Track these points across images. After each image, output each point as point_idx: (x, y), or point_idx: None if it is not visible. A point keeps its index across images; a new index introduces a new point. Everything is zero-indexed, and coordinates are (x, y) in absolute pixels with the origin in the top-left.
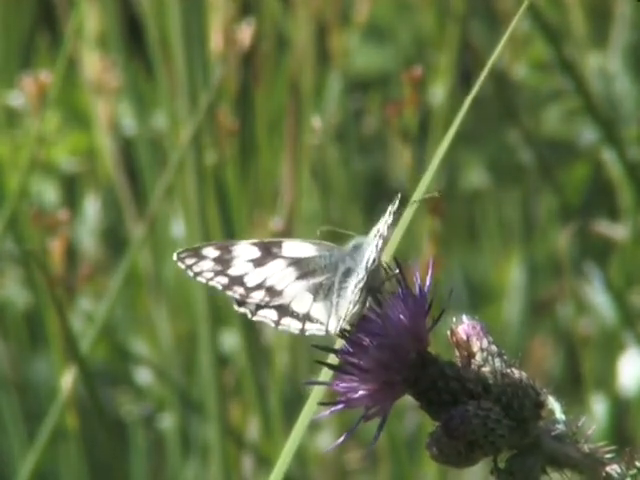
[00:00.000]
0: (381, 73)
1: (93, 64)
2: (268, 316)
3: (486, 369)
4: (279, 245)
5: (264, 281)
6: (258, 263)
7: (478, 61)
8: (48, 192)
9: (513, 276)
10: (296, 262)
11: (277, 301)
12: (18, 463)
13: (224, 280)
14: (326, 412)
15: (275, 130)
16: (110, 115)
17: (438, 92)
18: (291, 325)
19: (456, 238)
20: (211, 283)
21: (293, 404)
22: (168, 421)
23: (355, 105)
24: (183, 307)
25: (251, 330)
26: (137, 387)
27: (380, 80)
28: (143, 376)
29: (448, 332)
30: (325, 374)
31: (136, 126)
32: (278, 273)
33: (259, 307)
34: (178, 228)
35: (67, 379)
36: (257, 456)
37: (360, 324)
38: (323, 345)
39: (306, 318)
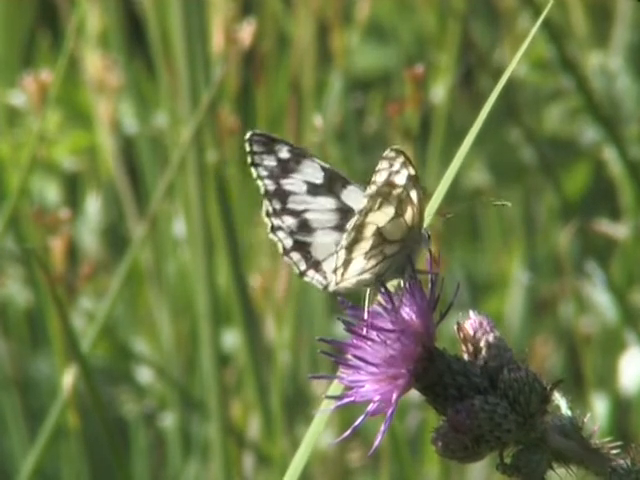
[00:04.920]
0: (382, 72)
1: (94, 63)
2: (283, 241)
3: (493, 364)
4: (345, 185)
5: (304, 211)
6: (312, 190)
7: (479, 60)
8: (49, 191)
9: (514, 275)
10: (344, 211)
11: (303, 236)
12: (19, 461)
13: (271, 187)
14: (331, 407)
15: (276, 129)
16: (111, 114)
17: (439, 91)
18: (298, 263)
19: (457, 236)
20: (259, 181)
21: (294, 403)
22: (169, 420)
23: (356, 104)
24: (184, 306)
25: (252, 329)
26: (138, 386)
27: (381, 79)
28: (144, 375)
29: (455, 327)
30: (329, 371)
31: (137, 125)
32: (322, 212)
33: (281, 229)
34: (179, 227)
35: (68, 378)
36: (258, 455)
37: (367, 318)
38: (329, 338)
39: (315, 265)
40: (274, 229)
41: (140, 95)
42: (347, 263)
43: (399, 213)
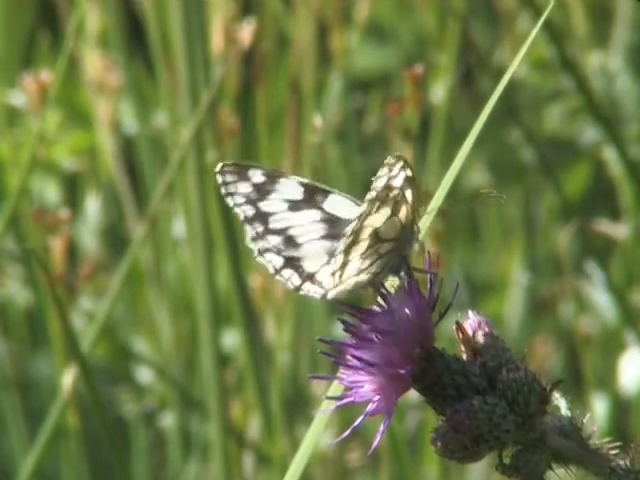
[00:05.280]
0: (382, 72)
1: (94, 63)
2: (273, 262)
3: (492, 364)
4: (326, 195)
5: (287, 229)
6: (293, 207)
7: (479, 60)
8: (49, 191)
9: (514, 275)
10: (331, 220)
11: (291, 252)
12: (19, 462)
13: (250, 212)
14: (331, 407)
15: (276, 129)
16: (111, 114)
17: (439, 91)
18: (291, 279)
19: (457, 237)
20: (236, 209)
21: (294, 403)
22: (169, 419)
23: (356, 104)
24: (184, 306)
25: (252, 329)
26: (138, 385)
27: (381, 79)
28: (144, 375)
29: (454, 327)
30: (329, 371)
31: (137, 125)
32: (306, 225)
33: (269, 250)
34: (179, 227)
35: (68, 378)
36: (258, 455)
37: (366, 318)
38: (328, 339)
39: (309, 278)
40: (261, 252)
41: (140, 95)
42: (344, 266)
43: (394, 213)
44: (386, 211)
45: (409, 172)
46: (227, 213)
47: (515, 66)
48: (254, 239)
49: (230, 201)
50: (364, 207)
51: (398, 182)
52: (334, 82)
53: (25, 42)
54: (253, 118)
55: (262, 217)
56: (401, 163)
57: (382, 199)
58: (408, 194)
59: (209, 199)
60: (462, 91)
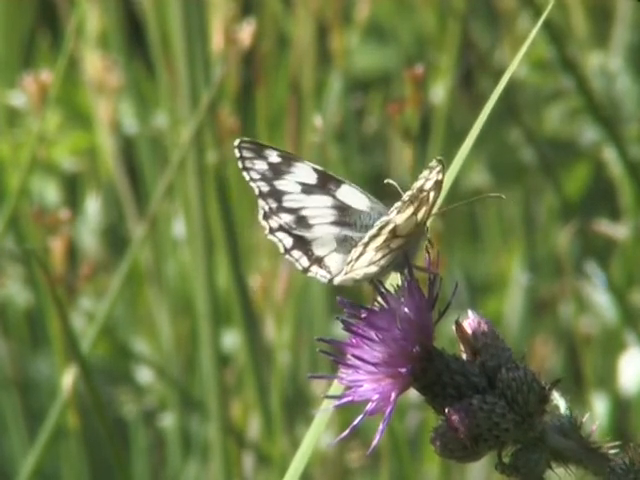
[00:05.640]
0: (382, 72)
1: (94, 63)
2: (283, 241)
3: (491, 364)
4: (338, 184)
5: (300, 208)
6: (306, 190)
7: (479, 60)
8: (49, 191)
9: (514, 275)
10: (342, 208)
11: (301, 232)
12: (19, 462)
13: (265, 188)
14: (331, 406)
15: (276, 129)
16: (111, 114)
17: (439, 91)
18: (299, 260)
19: (457, 237)
20: (252, 184)
21: (294, 403)
22: (169, 420)
23: (356, 104)
24: (184, 306)
25: (252, 329)
26: (138, 386)
27: (381, 79)
28: (144, 375)
29: (453, 326)
30: (329, 371)
31: (137, 125)
32: (318, 209)
33: (281, 229)
34: (179, 227)
35: (68, 378)
36: (258, 455)
37: (366, 317)
38: (328, 338)
39: (317, 261)
40: (272, 231)
41: (140, 95)
42: (360, 256)
43: (415, 212)
44: (410, 210)
45: (440, 176)
46: (227, 213)
47: (515, 66)
48: (266, 216)
49: (246, 175)
50: (398, 205)
51: (429, 185)
52: (334, 82)
53: (25, 42)
54: (253, 118)
55: (277, 194)
56: (439, 167)
57: (412, 199)
58: (431, 196)
59: (209, 199)
60: (462, 91)
